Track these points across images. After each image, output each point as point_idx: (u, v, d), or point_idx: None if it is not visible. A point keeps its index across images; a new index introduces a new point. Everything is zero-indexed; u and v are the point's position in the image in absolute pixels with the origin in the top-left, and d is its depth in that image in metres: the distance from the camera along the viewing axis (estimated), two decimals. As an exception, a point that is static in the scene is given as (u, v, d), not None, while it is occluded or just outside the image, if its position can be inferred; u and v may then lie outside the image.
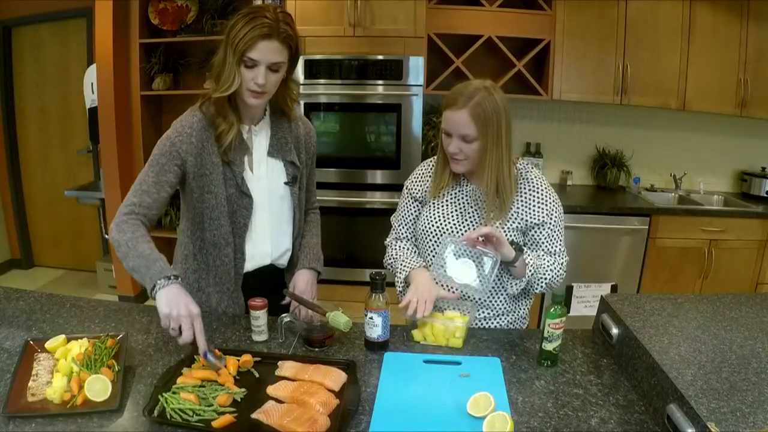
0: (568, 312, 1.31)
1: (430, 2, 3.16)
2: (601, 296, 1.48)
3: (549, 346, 1.28)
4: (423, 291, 1.40)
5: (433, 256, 1.50)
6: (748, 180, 3.58)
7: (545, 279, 1.44)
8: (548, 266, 1.44)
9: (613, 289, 2.63)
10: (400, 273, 1.53)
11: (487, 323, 1.54)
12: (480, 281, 1.42)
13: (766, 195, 3.46)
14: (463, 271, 1.43)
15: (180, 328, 1.17)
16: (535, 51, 3.27)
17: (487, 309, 1.53)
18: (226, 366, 1.18)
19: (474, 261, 1.42)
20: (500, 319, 1.55)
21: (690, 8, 3.18)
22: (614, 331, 1.34)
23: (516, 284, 1.45)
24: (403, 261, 1.54)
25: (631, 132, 3.67)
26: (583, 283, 2.44)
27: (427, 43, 3.15)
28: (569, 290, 2.40)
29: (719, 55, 3.24)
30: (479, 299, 1.52)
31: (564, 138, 3.72)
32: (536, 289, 1.47)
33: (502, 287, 1.50)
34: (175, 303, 1.17)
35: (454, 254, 1.45)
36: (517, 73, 3.29)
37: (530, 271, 1.41)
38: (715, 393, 1.01)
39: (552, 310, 1.26)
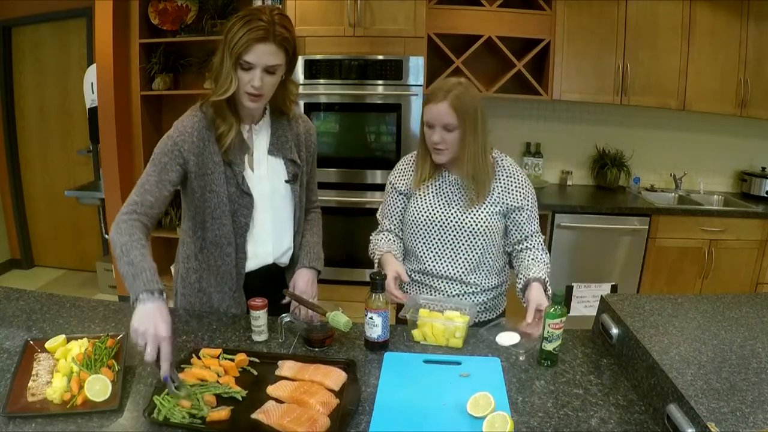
0: (568, 312, 1.32)
1: (430, 2, 3.16)
2: (601, 296, 1.49)
3: (549, 346, 1.28)
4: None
5: (423, 246, 1.61)
6: (748, 180, 3.58)
7: (548, 267, 1.60)
8: (544, 259, 1.60)
9: (613, 289, 2.64)
10: (375, 259, 1.67)
11: (473, 298, 1.63)
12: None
13: (766, 195, 3.46)
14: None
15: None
16: (535, 51, 3.27)
17: (469, 286, 1.63)
18: (186, 397, 1.07)
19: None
20: (485, 294, 1.65)
21: (690, 8, 3.17)
22: (614, 331, 1.34)
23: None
24: (380, 248, 1.65)
25: (631, 132, 3.67)
26: (583, 283, 2.44)
27: (427, 43, 3.14)
28: (569, 290, 2.41)
29: (719, 55, 3.23)
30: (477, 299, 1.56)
31: (564, 138, 3.72)
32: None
33: (484, 264, 1.61)
34: (145, 320, 1.10)
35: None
36: (517, 73, 3.29)
37: (548, 281, 1.54)
38: (715, 393, 1.01)
39: (552, 310, 1.26)
